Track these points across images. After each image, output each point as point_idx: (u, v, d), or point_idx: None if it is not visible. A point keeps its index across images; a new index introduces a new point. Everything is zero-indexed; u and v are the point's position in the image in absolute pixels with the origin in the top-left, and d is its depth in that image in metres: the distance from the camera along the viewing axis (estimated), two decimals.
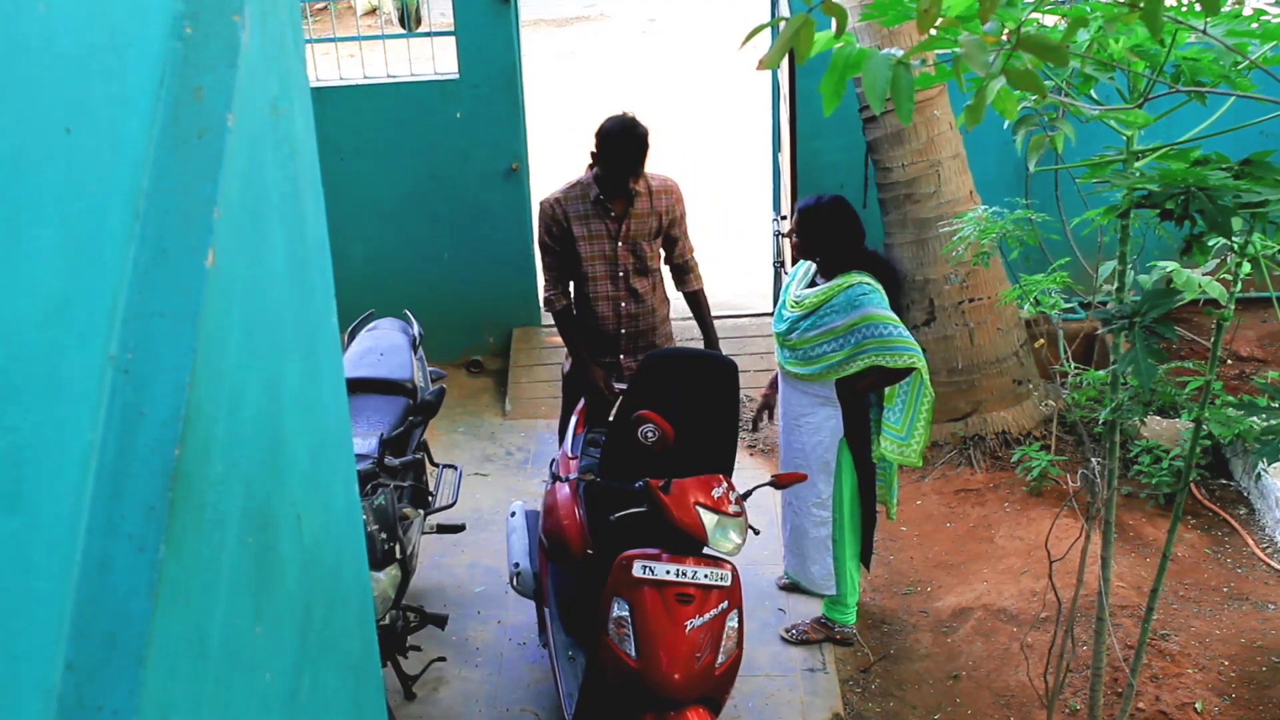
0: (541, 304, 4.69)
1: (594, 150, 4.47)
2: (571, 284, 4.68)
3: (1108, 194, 2.66)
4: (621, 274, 4.59)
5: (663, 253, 4.73)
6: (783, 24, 1.92)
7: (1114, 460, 3.13)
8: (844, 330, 4.17)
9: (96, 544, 1.22)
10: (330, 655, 1.95)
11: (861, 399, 4.33)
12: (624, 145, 4.39)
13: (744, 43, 2.08)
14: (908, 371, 4.18)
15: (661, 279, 4.76)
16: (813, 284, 4.35)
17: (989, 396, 5.79)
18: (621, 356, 4.67)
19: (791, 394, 4.46)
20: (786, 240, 6.26)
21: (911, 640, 4.66)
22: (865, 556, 4.59)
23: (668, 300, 4.83)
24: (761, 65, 2.02)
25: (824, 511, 4.46)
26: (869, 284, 4.19)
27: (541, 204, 4.61)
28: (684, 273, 4.77)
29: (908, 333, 4.18)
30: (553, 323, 6.99)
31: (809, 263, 4.40)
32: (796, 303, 4.33)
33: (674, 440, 3.76)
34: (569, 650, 4.08)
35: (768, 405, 4.74)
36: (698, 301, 4.79)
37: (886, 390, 4.28)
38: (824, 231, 4.22)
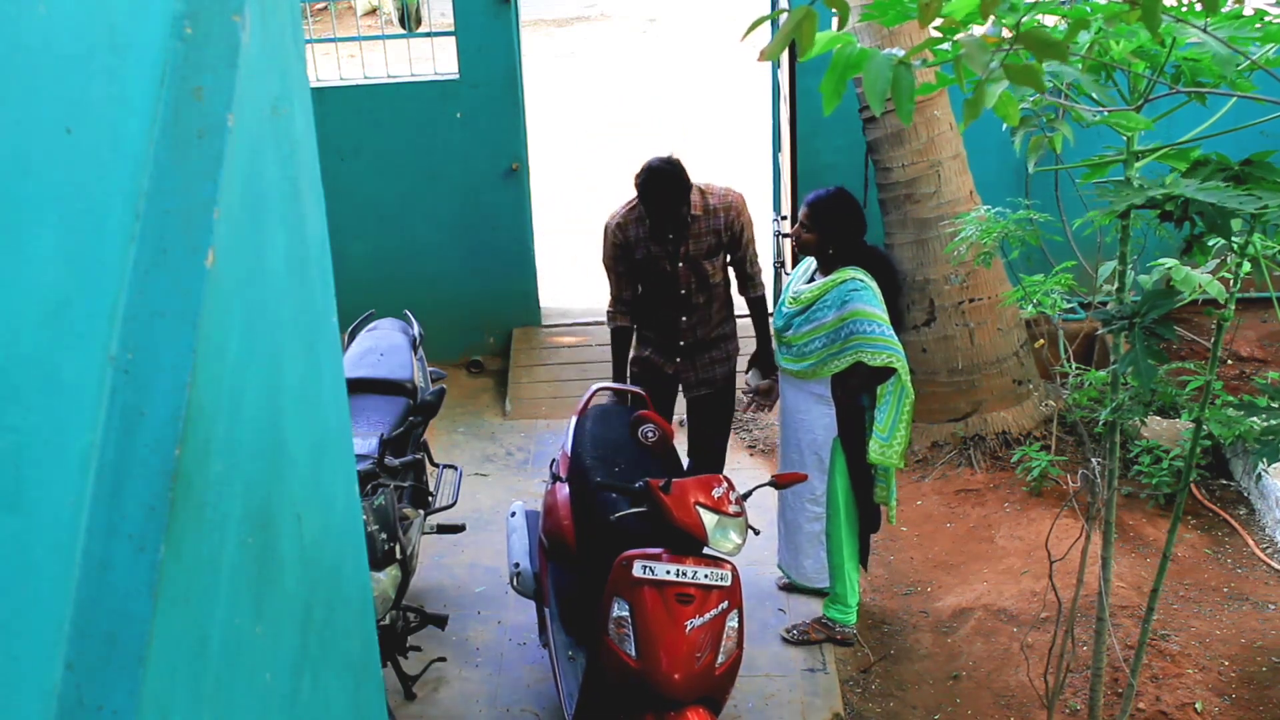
0: (605, 316, 4.74)
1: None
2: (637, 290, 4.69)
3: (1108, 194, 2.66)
4: (683, 291, 4.57)
5: (728, 263, 4.69)
6: (784, 17, 1.91)
7: (1114, 460, 3.13)
8: (834, 325, 4.20)
9: (96, 544, 1.22)
10: (330, 655, 1.95)
11: (855, 399, 4.34)
12: (654, 188, 4.37)
13: (745, 35, 2.08)
14: (891, 372, 4.19)
15: (724, 290, 4.72)
16: (811, 280, 4.37)
17: (989, 396, 5.78)
18: (678, 359, 4.70)
19: (789, 391, 4.49)
20: (787, 240, 6.27)
21: (911, 640, 4.66)
22: (863, 557, 4.60)
23: (731, 314, 4.79)
24: (763, 57, 2.01)
25: (818, 507, 4.49)
26: (862, 280, 4.21)
27: (605, 225, 4.60)
28: (748, 280, 4.71)
29: (892, 333, 4.19)
30: (554, 322, 7.04)
31: (810, 260, 4.41)
32: (794, 298, 4.35)
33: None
34: (569, 650, 4.08)
35: (764, 390, 4.75)
36: (759, 308, 4.75)
37: (878, 390, 4.29)
38: (836, 221, 4.22)
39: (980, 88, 1.96)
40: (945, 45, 2.25)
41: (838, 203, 4.25)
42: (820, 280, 4.30)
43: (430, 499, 4.58)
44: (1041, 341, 5.69)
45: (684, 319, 4.62)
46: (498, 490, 5.73)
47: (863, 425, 4.40)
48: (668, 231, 4.49)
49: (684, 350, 4.69)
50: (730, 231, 4.53)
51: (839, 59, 2.16)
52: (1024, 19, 1.97)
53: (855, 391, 4.32)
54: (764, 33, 2.14)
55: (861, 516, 4.51)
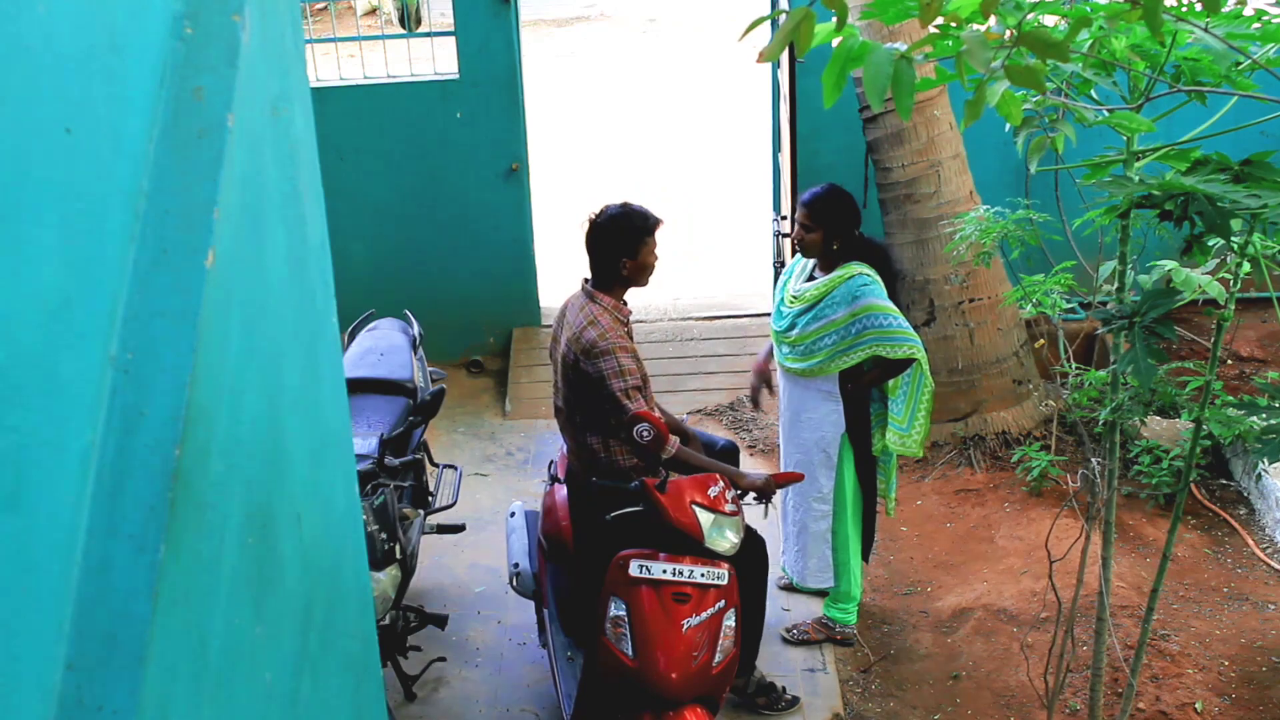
0: (663, 453, 3.65)
1: None
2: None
3: (1108, 194, 2.66)
4: None
5: None
6: (783, 18, 1.91)
7: (1114, 460, 3.13)
8: (845, 321, 4.18)
9: (96, 544, 1.22)
10: (330, 655, 1.95)
11: (864, 392, 4.34)
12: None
13: (743, 35, 2.08)
14: (909, 363, 4.19)
15: None
16: (811, 279, 4.35)
17: (989, 396, 5.78)
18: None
19: (793, 390, 4.46)
20: (787, 240, 6.27)
21: (911, 640, 4.65)
22: (866, 549, 4.60)
23: None
24: (761, 58, 2.01)
25: (825, 506, 4.49)
26: (869, 275, 4.21)
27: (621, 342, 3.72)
28: None
29: (907, 324, 4.19)
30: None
31: (805, 258, 4.40)
32: (796, 297, 4.33)
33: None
34: (568, 651, 4.08)
35: (764, 379, 4.68)
36: None
37: (889, 382, 4.29)
38: (836, 216, 4.20)
39: (981, 87, 1.96)
40: (947, 42, 2.25)
41: (834, 198, 4.22)
42: (824, 277, 4.28)
43: (430, 499, 4.58)
44: (1041, 341, 5.69)
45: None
46: (498, 490, 5.73)
47: (869, 417, 4.41)
48: None
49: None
50: None
51: (840, 51, 2.16)
52: (1026, 18, 1.97)
53: (872, 384, 4.32)
54: (764, 33, 2.14)
55: (867, 509, 4.52)
